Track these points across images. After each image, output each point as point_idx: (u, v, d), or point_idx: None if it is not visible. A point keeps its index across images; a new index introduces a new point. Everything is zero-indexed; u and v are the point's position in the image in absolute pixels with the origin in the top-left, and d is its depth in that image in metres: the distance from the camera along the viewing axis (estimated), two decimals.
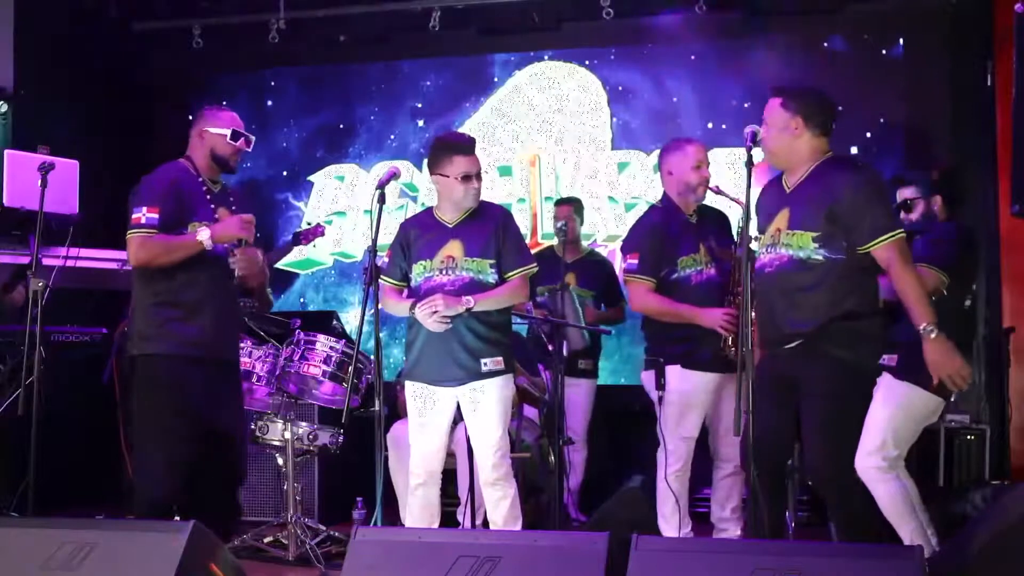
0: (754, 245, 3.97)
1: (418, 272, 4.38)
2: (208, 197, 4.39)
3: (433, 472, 4.39)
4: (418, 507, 4.39)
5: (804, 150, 3.85)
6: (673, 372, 4.80)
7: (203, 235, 4.20)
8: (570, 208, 6.13)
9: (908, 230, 4.54)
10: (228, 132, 4.37)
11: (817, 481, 3.91)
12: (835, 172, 3.85)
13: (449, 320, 4.23)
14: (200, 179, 4.40)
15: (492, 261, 4.35)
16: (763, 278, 3.86)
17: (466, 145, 4.42)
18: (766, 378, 3.74)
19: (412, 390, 4.41)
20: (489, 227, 4.38)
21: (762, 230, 3.94)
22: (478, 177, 4.38)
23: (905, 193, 4.61)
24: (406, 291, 4.47)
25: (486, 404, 4.32)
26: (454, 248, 4.35)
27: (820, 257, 3.78)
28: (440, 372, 4.34)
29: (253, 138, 4.49)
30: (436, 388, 4.36)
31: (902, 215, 4.57)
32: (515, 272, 4.39)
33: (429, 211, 4.55)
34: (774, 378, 3.62)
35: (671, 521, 4.72)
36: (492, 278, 4.35)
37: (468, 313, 4.26)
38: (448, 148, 4.40)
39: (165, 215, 4.23)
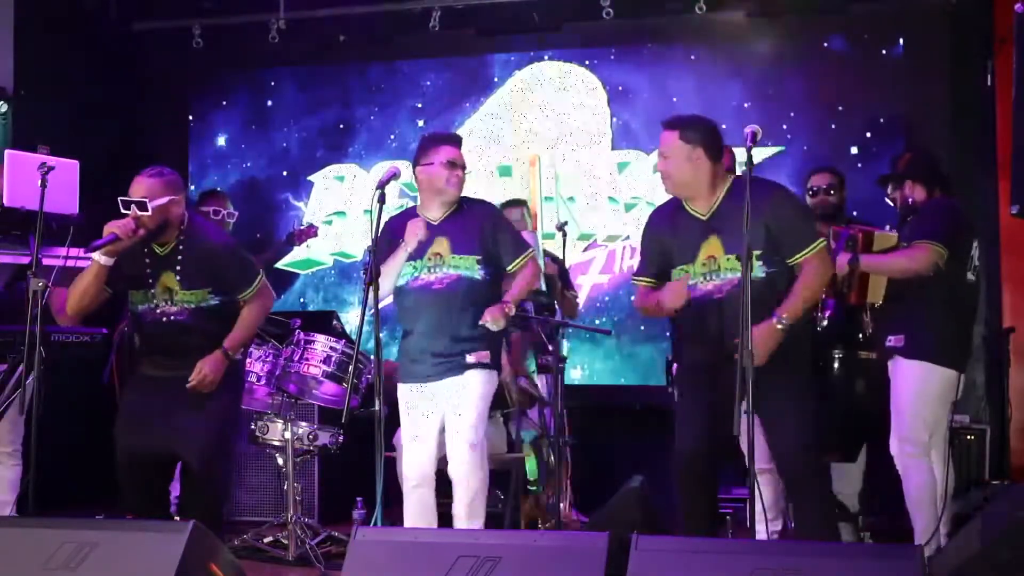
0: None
1: (405, 271, 4.35)
2: (148, 260, 4.34)
3: (427, 475, 4.37)
4: (415, 510, 4.36)
5: (707, 177, 3.97)
6: (676, 370, 4.86)
7: (95, 254, 4.17)
8: (522, 209, 6.13)
9: (900, 217, 4.62)
10: (120, 203, 4.19)
11: (796, 470, 3.95)
12: (753, 192, 3.87)
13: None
14: (145, 247, 4.33)
15: (479, 257, 4.34)
16: (708, 304, 3.94)
17: (453, 137, 4.48)
18: (713, 384, 3.81)
19: (404, 393, 4.41)
20: (475, 224, 4.37)
21: (685, 260, 4.00)
22: (463, 169, 4.39)
23: (888, 192, 4.71)
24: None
25: (462, 393, 4.31)
26: (440, 245, 4.34)
27: (763, 274, 3.89)
28: (428, 371, 4.34)
29: (145, 201, 4.16)
30: (425, 386, 4.36)
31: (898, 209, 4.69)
32: (520, 260, 4.39)
33: (412, 211, 4.52)
34: (721, 395, 3.69)
35: None
36: (479, 274, 4.34)
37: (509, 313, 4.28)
38: (435, 139, 4.44)
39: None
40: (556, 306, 5.81)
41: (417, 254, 4.33)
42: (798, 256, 3.90)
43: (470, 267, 4.33)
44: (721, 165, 4.03)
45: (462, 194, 4.43)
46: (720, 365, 3.79)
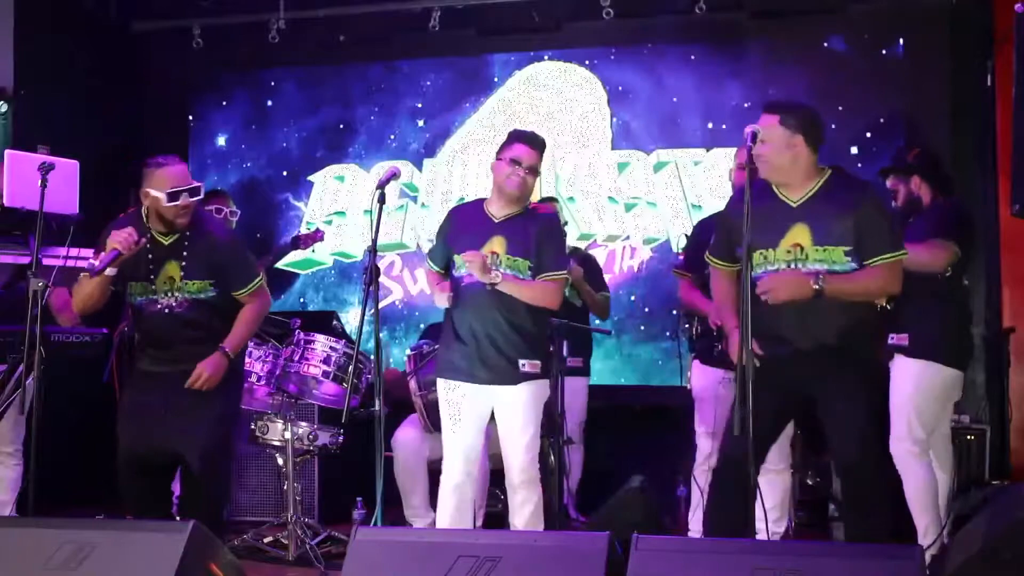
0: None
1: (461, 263, 4.31)
2: (151, 255, 4.32)
3: (471, 472, 4.31)
4: (453, 507, 4.29)
5: (805, 166, 3.87)
6: (694, 366, 4.88)
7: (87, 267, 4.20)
8: (553, 205, 6.16)
9: (899, 215, 4.63)
10: (163, 196, 4.22)
11: (862, 474, 3.84)
12: (850, 188, 3.89)
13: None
14: (148, 234, 4.32)
15: (531, 263, 4.30)
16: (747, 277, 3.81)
17: (530, 136, 4.43)
18: (774, 383, 3.72)
19: (445, 387, 4.36)
20: (533, 230, 4.34)
21: (767, 244, 3.87)
22: (531, 172, 4.33)
23: (888, 183, 4.69)
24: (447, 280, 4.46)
25: (516, 406, 4.27)
26: (497, 244, 4.30)
27: (851, 270, 3.81)
28: (475, 370, 4.29)
29: (199, 186, 4.29)
30: (469, 386, 4.30)
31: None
32: (547, 275, 4.32)
33: (480, 203, 4.50)
34: (782, 386, 3.66)
35: (696, 515, 4.78)
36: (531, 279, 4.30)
37: (491, 287, 4.20)
38: (513, 135, 4.44)
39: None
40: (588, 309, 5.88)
41: (473, 247, 4.29)
42: (875, 259, 3.79)
43: (523, 271, 4.28)
44: (816, 154, 3.91)
45: (530, 200, 4.44)
46: (792, 359, 3.71)
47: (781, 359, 3.69)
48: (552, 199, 6.43)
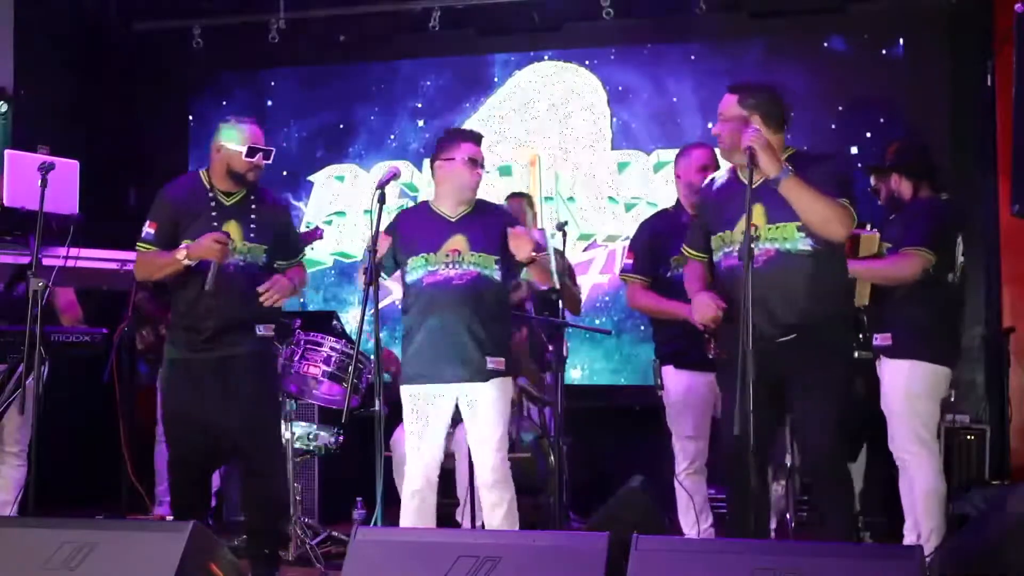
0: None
1: (418, 265, 4.29)
2: (214, 213, 4.36)
3: (431, 479, 4.31)
4: (414, 512, 4.28)
5: None
6: (667, 372, 4.82)
7: (180, 253, 4.26)
8: (522, 201, 6.14)
9: (885, 211, 4.62)
10: (243, 149, 4.32)
11: (822, 472, 3.86)
12: (805, 163, 3.85)
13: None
14: (209, 193, 4.39)
15: (497, 257, 4.30)
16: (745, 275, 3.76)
17: (474, 134, 4.48)
18: (752, 376, 3.70)
19: (409, 393, 4.32)
20: (493, 223, 4.35)
21: (725, 227, 3.88)
22: (482, 167, 4.39)
23: (871, 182, 4.69)
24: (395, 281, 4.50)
25: (485, 404, 4.26)
26: (458, 242, 4.30)
27: (807, 247, 3.78)
28: (442, 369, 4.26)
29: (272, 150, 4.42)
30: (435, 387, 4.27)
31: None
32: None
33: (425, 205, 4.49)
34: (760, 375, 3.62)
35: (686, 519, 4.76)
36: (497, 274, 4.30)
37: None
38: (456, 135, 4.48)
39: (160, 230, 4.38)
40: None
41: (431, 248, 4.29)
42: None
43: (489, 266, 4.29)
44: (780, 137, 3.91)
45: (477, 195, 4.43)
46: (756, 340, 3.59)
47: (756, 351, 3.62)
48: (523, 194, 6.37)
